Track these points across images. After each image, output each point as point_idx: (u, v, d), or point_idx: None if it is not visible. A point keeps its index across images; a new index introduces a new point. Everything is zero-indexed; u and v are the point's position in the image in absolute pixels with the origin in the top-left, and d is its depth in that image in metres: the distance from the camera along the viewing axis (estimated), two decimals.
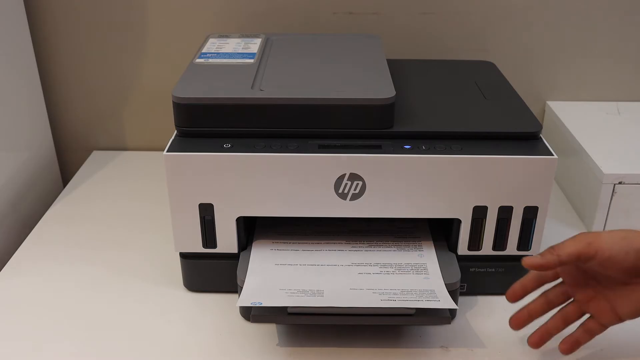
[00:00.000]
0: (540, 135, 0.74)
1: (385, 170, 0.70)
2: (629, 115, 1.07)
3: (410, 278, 0.73)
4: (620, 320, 0.62)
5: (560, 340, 0.67)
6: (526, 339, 0.72)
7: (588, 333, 0.64)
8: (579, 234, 0.60)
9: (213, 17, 1.07)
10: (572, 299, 0.66)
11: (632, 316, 0.61)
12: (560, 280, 0.67)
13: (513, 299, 0.66)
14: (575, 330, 0.66)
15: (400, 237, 0.80)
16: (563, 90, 1.12)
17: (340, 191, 0.72)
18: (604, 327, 0.63)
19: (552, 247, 0.60)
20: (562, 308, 0.66)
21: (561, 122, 1.05)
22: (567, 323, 0.65)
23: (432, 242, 0.79)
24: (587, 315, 0.65)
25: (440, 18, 1.07)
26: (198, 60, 0.82)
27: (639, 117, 1.07)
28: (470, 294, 0.78)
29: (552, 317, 0.66)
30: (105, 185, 1.06)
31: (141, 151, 1.16)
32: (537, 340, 0.66)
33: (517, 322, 0.67)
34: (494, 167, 0.71)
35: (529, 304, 0.67)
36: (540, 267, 0.60)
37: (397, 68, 0.87)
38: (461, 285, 0.76)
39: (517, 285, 0.66)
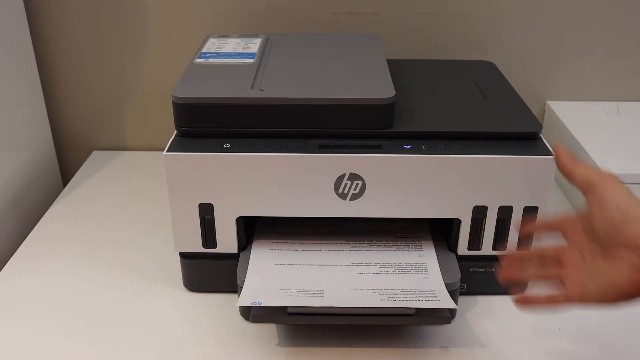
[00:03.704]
0: (540, 135, 0.74)
1: (385, 170, 0.70)
2: (629, 115, 1.07)
3: (410, 278, 0.73)
4: (583, 299, 0.55)
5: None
6: (525, 340, 0.72)
7: (549, 300, 0.58)
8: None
9: (213, 17, 1.07)
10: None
11: (593, 298, 0.54)
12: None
13: (522, 233, 0.66)
14: (539, 294, 0.60)
15: (400, 237, 0.80)
16: (563, 90, 1.12)
17: (340, 191, 0.72)
18: (565, 299, 0.56)
19: (580, 161, 0.58)
20: (545, 264, 0.62)
21: (561, 122, 1.05)
22: (540, 276, 0.60)
23: (432, 242, 0.79)
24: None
25: (440, 18, 1.07)
26: (198, 60, 0.82)
27: (639, 117, 1.07)
28: (470, 294, 0.78)
29: (532, 265, 0.62)
30: (105, 185, 1.06)
31: (141, 151, 1.16)
32: (505, 277, 0.62)
33: (508, 259, 0.63)
34: (494, 167, 0.71)
35: (524, 252, 0.65)
36: (561, 156, 0.59)
37: (397, 68, 0.87)
38: (461, 285, 0.76)
39: (529, 225, 0.65)
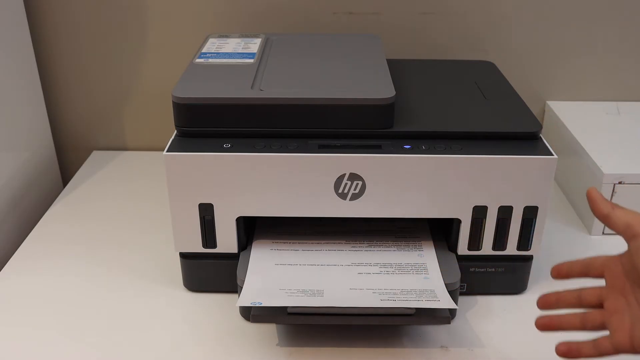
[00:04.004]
0: (540, 135, 0.74)
1: (385, 170, 0.70)
2: (629, 115, 1.07)
3: (410, 278, 0.73)
4: (633, 349, 0.54)
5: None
6: (525, 340, 0.72)
7: (595, 348, 0.57)
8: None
9: (213, 17, 1.07)
10: (601, 309, 0.60)
11: None
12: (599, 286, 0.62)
13: (556, 274, 0.62)
14: (584, 340, 0.60)
15: (400, 237, 0.80)
16: (563, 90, 1.12)
17: (340, 191, 0.72)
18: (614, 349, 0.56)
19: (615, 204, 0.57)
20: (587, 311, 0.61)
21: (561, 122, 1.05)
22: (583, 325, 0.59)
23: (432, 242, 0.79)
24: (604, 333, 0.60)
25: (440, 18, 1.07)
26: (198, 60, 0.82)
27: (639, 117, 1.07)
28: (470, 294, 0.78)
29: (572, 313, 0.61)
30: (105, 185, 1.06)
31: (141, 151, 1.16)
32: (546, 322, 0.61)
33: (544, 302, 0.62)
34: (494, 167, 0.71)
35: (561, 292, 0.62)
36: (595, 202, 0.57)
37: (397, 68, 0.87)
38: (461, 285, 0.76)
39: (564, 265, 0.62)
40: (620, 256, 0.57)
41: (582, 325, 0.58)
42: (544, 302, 0.62)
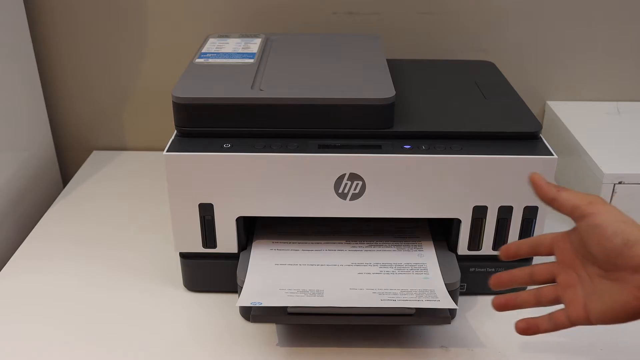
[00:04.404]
0: (540, 135, 0.74)
1: (385, 170, 0.70)
2: (629, 115, 1.07)
3: (410, 278, 0.73)
4: (588, 320, 0.55)
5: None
6: (525, 341, 0.72)
7: (552, 322, 0.58)
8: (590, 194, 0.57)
9: (213, 17, 1.07)
10: (554, 284, 0.61)
11: (600, 319, 0.55)
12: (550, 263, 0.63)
13: (505, 255, 0.63)
14: (540, 315, 0.60)
15: (400, 237, 0.80)
16: (563, 90, 1.12)
17: (340, 191, 0.72)
18: (570, 322, 0.57)
19: (560, 187, 0.58)
20: (540, 287, 0.62)
21: (561, 122, 1.04)
22: (538, 301, 0.60)
23: (432, 242, 0.79)
24: (560, 307, 0.61)
25: (440, 18, 1.07)
26: (198, 60, 0.82)
27: (639, 117, 1.07)
28: (470, 294, 0.78)
29: (527, 290, 0.62)
30: (105, 185, 1.06)
31: (141, 151, 1.16)
32: (502, 302, 0.62)
33: (498, 280, 0.63)
34: (494, 167, 0.71)
35: (514, 270, 0.63)
36: (540, 187, 0.58)
37: (397, 68, 0.87)
38: (461, 285, 0.76)
39: (512, 245, 0.63)
40: (569, 233, 0.58)
41: (537, 301, 0.60)
42: (497, 282, 0.63)
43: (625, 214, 0.54)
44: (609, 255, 0.53)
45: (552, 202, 0.57)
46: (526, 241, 0.62)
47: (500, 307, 0.62)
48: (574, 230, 0.58)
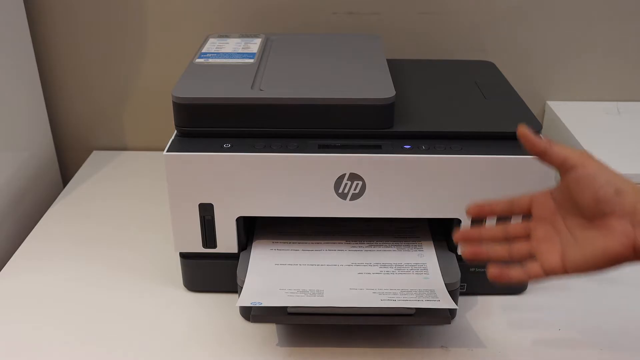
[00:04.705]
0: (540, 135, 0.74)
1: (385, 170, 0.70)
2: (629, 115, 1.07)
3: (410, 278, 0.73)
4: (564, 270, 0.56)
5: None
6: (525, 340, 0.72)
7: (525, 272, 0.58)
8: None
9: (213, 17, 1.07)
10: (527, 240, 0.61)
11: (577, 267, 0.56)
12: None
13: (474, 212, 0.63)
14: (514, 268, 0.60)
15: (400, 237, 0.80)
16: (563, 90, 1.12)
17: (340, 191, 0.72)
18: (544, 272, 0.57)
19: (549, 140, 0.59)
20: (514, 242, 0.61)
21: (561, 122, 1.05)
22: (510, 254, 0.60)
23: (432, 242, 0.79)
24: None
25: (440, 18, 1.07)
26: (198, 60, 0.82)
27: (639, 117, 1.07)
28: (470, 294, 0.78)
29: (500, 244, 0.62)
30: (105, 185, 1.06)
31: (141, 151, 1.16)
32: (474, 252, 0.61)
33: (464, 235, 0.63)
34: (494, 167, 0.71)
35: (485, 226, 0.63)
36: (531, 140, 0.58)
37: (397, 68, 0.87)
38: (461, 285, 0.76)
39: (485, 201, 0.62)
40: (550, 191, 0.60)
41: (509, 255, 0.60)
42: (464, 234, 0.63)
43: (612, 169, 0.57)
44: (599, 203, 0.55)
45: (543, 155, 0.58)
46: (501, 200, 0.62)
47: (471, 257, 0.61)
48: (557, 187, 0.60)
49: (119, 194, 1.03)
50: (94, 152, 1.16)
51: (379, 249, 0.78)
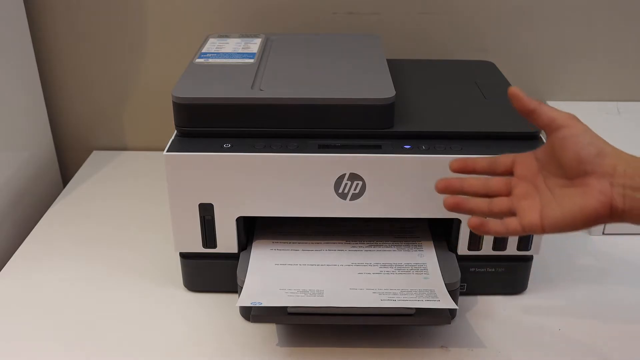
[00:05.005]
0: (540, 135, 0.74)
1: (385, 170, 0.70)
2: (629, 115, 1.07)
3: (410, 278, 0.73)
4: (542, 227, 0.57)
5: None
6: (525, 340, 0.72)
7: (503, 226, 0.59)
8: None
9: (213, 17, 1.07)
10: (508, 197, 0.62)
11: (555, 225, 0.57)
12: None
13: (456, 167, 0.64)
14: (494, 221, 0.61)
15: (400, 237, 0.80)
16: (563, 90, 1.12)
17: (340, 191, 0.72)
18: (522, 228, 0.58)
19: (539, 101, 0.60)
20: (494, 197, 0.62)
21: None
22: (490, 209, 0.61)
23: (432, 242, 0.79)
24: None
25: (440, 18, 1.07)
26: (198, 60, 0.82)
27: (639, 117, 1.07)
28: (470, 294, 0.78)
29: (481, 198, 0.62)
30: (105, 185, 1.06)
31: (141, 151, 1.16)
32: (456, 202, 0.62)
33: (447, 184, 0.63)
34: None
35: (467, 178, 0.63)
36: (521, 99, 0.59)
37: (397, 68, 0.87)
38: (461, 285, 0.76)
39: (469, 159, 0.63)
40: (534, 152, 0.62)
41: (489, 209, 0.61)
42: (446, 183, 0.63)
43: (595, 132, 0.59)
44: (580, 162, 0.57)
45: (531, 114, 0.60)
46: (484, 157, 0.64)
47: (452, 207, 0.62)
48: (541, 147, 0.61)
49: (119, 194, 1.03)
50: (94, 152, 1.16)
51: (379, 249, 0.78)
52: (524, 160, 0.62)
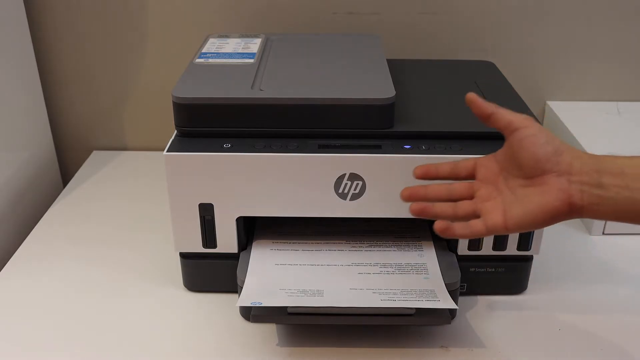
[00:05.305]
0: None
1: (385, 170, 0.70)
2: (629, 115, 1.07)
3: (410, 278, 0.73)
4: (505, 227, 0.59)
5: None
6: (525, 340, 0.72)
7: (468, 228, 0.61)
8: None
9: (213, 17, 1.07)
10: (472, 200, 0.63)
11: (518, 224, 0.59)
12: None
13: (420, 174, 0.65)
14: (459, 224, 0.62)
15: (400, 237, 0.80)
16: (563, 90, 1.12)
17: (340, 191, 0.72)
18: (486, 229, 0.60)
19: (496, 104, 0.62)
20: (458, 200, 0.63)
21: (561, 122, 1.05)
22: (454, 212, 0.62)
23: (432, 242, 0.79)
24: None
25: (440, 18, 1.07)
26: (198, 60, 0.82)
27: (639, 117, 1.07)
28: (470, 294, 0.78)
29: (445, 202, 0.63)
30: (105, 185, 1.06)
31: (141, 151, 1.16)
32: (421, 208, 0.62)
33: (411, 193, 0.64)
34: None
35: (431, 185, 0.64)
36: (478, 104, 0.62)
37: (397, 68, 0.87)
38: (461, 285, 0.76)
39: (431, 165, 0.65)
40: (494, 154, 0.64)
41: (454, 213, 0.62)
42: (411, 192, 0.64)
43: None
44: (538, 161, 0.58)
45: (489, 118, 0.62)
46: (447, 163, 0.65)
47: (416, 212, 0.63)
48: (500, 150, 0.63)
49: (119, 194, 1.03)
50: (94, 152, 1.16)
51: (379, 249, 0.78)
52: (484, 164, 0.64)
